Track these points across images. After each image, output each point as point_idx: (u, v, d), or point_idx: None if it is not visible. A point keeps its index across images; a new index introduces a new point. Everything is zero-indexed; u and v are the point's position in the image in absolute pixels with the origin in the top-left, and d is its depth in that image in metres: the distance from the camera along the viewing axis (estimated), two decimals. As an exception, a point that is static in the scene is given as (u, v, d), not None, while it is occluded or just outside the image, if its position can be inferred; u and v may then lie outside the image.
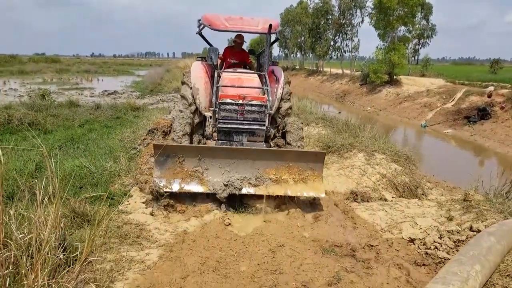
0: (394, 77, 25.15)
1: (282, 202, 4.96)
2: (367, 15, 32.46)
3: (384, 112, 21.92)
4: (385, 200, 5.26)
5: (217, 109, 5.33)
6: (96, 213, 3.60)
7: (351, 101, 27.23)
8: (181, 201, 4.83)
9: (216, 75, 6.14)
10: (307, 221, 4.56)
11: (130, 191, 5.08)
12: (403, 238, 4.04)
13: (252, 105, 5.33)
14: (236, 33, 6.75)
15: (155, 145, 4.84)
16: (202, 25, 6.53)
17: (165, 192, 4.69)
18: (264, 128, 5.47)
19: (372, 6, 30.39)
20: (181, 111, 6.17)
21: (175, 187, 4.75)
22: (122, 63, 73.22)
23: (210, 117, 5.97)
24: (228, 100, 5.31)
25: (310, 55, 47.31)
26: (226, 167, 4.94)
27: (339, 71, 36.38)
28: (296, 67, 53.10)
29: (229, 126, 5.37)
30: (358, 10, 33.37)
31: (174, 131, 5.67)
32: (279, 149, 5.73)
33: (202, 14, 6.60)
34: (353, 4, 33.08)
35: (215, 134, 5.75)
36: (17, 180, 5.37)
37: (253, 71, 6.73)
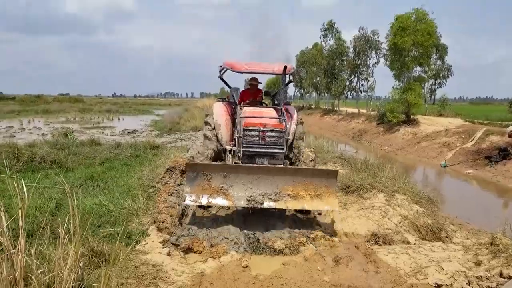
0: (411, 116, 25.02)
1: (302, 244, 4.86)
2: (381, 56, 32.93)
3: (402, 152, 21.65)
4: (408, 243, 5.08)
5: (241, 136, 5.89)
6: (114, 252, 3.57)
7: (368, 140, 27.07)
8: (198, 241, 4.78)
9: (238, 108, 6.73)
10: (327, 265, 4.42)
11: (148, 230, 5.06)
12: (428, 283, 3.86)
13: (272, 131, 5.93)
14: (252, 76, 7.67)
15: (187, 163, 5.47)
16: (225, 69, 7.42)
17: (193, 204, 5.34)
18: (283, 151, 5.98)
19: (387, 48, 30.91)
20: (205, 136, 7.19)
21: (204, 201, 5.24)
22: (142, 103, 75.07)
23: (231, 150, 6.49)
24: (252, 127, 5.89)
25: (326, 95, 47.76)
26: (249, 184, 5.38)
27: (355, 110, 36.46)
28: (312, 106, 53.54)
29: (252, 150, 5.90)
30: (373, 52, 33.81)
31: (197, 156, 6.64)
32: (296, 167, 6.21)
33: (224, 61, 7.50)
34: (368, 46, 33.59)
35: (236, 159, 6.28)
36: (37, 217, 5.44)
37: (270, 106, 7.43)
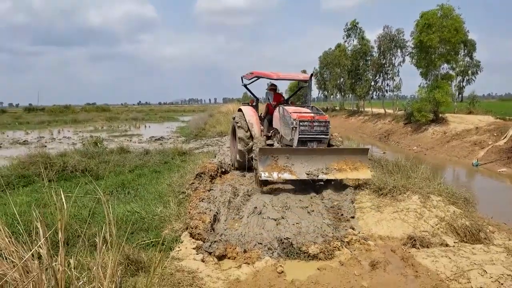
0: (440, 115, 24.40)
1: (336, 248, 4.76)
2: (407, 55, 32.25)
3: (431, 151, 21.10)
4: (447, 245, 4.88)
5: (296, 126, 7.33)
6: (150, 260, 3.58)
7: (395, 140, 26.53)
8: (231, 246, 4.75)
9: (280, 109, 8.22)
10: (364, 269, 4.30)
11: (181, 236, 5.07)
12: (473, 288, 3.69)
13: (319, 121, 7.52)
14: (272, 82, 9.87)
15: (260, 149, 7.02)
16: (256, 78, 9.40)
17: (268, 180, 6.97)
18: (328, 137, 7.63)
19: (413, 46, 30.24)
20: (241, 128, 9.06)
21: (275, 176, 6.79)
22: (167, 110, 76.11)
23: (272, 144, 8.41)
24: (305, 119, 7.40)
25: (350, 96, 47.16)
26: (305, 163, 6.99)
27: (381, 110, 35.82)
28: (336, 108, 53.01)
29: (305, 136, 7.40)
30: (399, 50, 33.16)
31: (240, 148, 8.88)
32: (338, 148, 7.65)
33: (250, 71, 9.52)
34: (393, 44, 32.98)
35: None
36: (72, 226, 5.54)
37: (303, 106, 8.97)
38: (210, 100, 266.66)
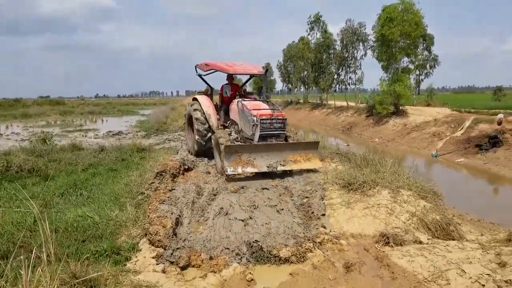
0: (400, 107, 24.92)
1: (309, 250, 4.47)
2: (369, 48, 32.71)
3: (392, 143, 21.50)
4: (421, 242, 4.71)
5: (257, 124, 7.82)
6: (101, 277, 3.11)
7: (358, 133, 26.89)
8: (196, 253, 4.34)
9: (239, 104, 8.52)
10: (339, 272, 4.03)
11: (139, 244, 4.59)
12: (454, 291, 3.50)
13: (278, 119, 8.05)
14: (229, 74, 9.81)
15: (226, 146, 7.45)
16: (213, 70, 9.58)
17: (233, 174, 7.27)
18: (285, 132, 8.29)
19: (374, 39, 30.64)
20: (198, 120, 9.39)
21: (239, 170, 7.27)
22: (126, 103, 73.61)
23: (237, 137, 8.57)
24: (265, 117, 7.89)
25: (314, 89, 47.43)
26: (266, 156, 7.60)
27: (344, 103, 36.25)
28: (300, 101, 53.17)
29: (266, 132, 7.95)
30: (361, 44, 33.57)
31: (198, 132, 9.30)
32: (293, 142, 8.27)
33: (202, 61, 9.86)
34: (356, 38, 33.33)
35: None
36: (14, 235, 4.93)
37: (259, 99, 9.34)
38: (172, 92, 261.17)
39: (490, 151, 14.94)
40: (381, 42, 25.10)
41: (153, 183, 6.84)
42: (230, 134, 8.63)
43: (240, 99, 8.82)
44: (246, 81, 11.63)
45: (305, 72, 46.77)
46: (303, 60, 45.29)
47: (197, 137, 9.41)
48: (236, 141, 8.41)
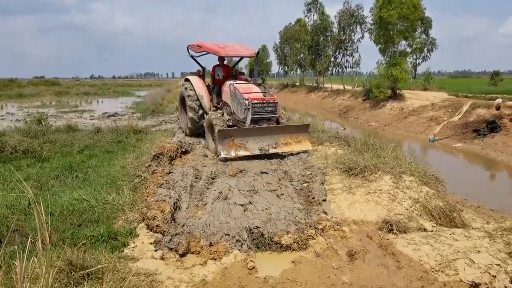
0: (397, 91, 24.74)
1: (311, 237, 4.37)
2: (366, 31, 32.29)
3: (389, 127, 21.39)
4: (425, 230, 4.63)
5: (249, 107, 7.94)
6: (98, 263, 2.98)
7: (354, 116, 26.75)
8: (195, 239, 4.22)
9: (231, 87, 8.59)
10: (342, 260, 3.94)
11: (136, 229, 4.46)
12: (462, 281, 3.40)
13: (269, 102, 8.20)
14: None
15: (220, 130, 7.65)
16: (205, 52, 9.75)
17: (226, 157, 7.46)
18: (276, 115, 8.48)
19: (372, 22, 30.20)
20: (190, 97, 9.71)
21: (233, 154, 7.53)
22: (121, 84, 72.78)
23: (229, 119, 8.78)
24: (257, 101, 8.06)
25: (310, 72, 47.03)
26: (258, 139, 7.86)
27: (340, 87, 35.96)
28: (296, 84, 52.74)
29: (258, 116, 8.09)
30: (358, 26, 33.11)
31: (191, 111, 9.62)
32: (284, 125, 8.51)
33: (195, 41, 9.99)
34: (353, 20, 32.85)
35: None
36: (8, 218, 4.79)
37: (251, 81, 9.50)
38: (167, 74, 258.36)
39: (488, 136, 14.85)
40: (379, 25, 24.73)
41: (150, 166, 6.69)
42: (222, 115, 8.85)
43: (232, 82, 8.91)
44: (237, 62, 11.89)
45: (302, 55, 46.29)
46: (299, 42, 44.78)
47: (190, 114, 9.64)
48: (229, 123, 8.64)
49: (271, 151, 7.79)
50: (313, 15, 39.95)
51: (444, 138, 16.58)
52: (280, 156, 7.90)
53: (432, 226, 4.70)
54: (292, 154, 7.97)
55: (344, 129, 18.48)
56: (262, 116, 8.15)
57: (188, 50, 10.30)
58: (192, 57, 10.34)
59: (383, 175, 5.89)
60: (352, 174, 6.13)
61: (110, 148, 9.16)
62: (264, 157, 7.71)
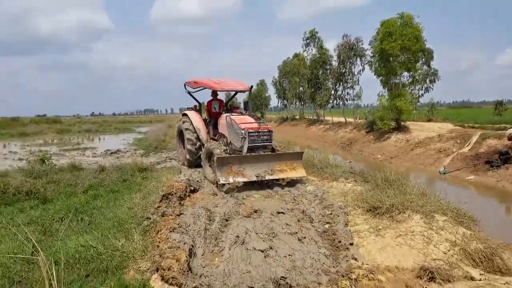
0: (402, 123, 24.58)
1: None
2: (366, 63, 32.53)
3: (396, 160, 21.01)
4: (472, 278, 4.18)
5: (246, 136, 8.44)
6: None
7: (358, 149, 26.44)
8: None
9: (228, 119, 9.16)
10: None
11: (150, 281, 4.02)
12: None
13: (264, 131, 8.70)
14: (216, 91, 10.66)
15: (218, 157, 7.95)
16: (201, 87, 10.58)
17: (225, 183, 7.68)
18: (271, 143, 8.89)
19: (372, 54, 30.41)
20: (188, 130, 10.41)
21: (231, 180, 7.76)
22: (122, 121, 73.12)
23: (225, 149, 9.04)
24: (252, 130, 8.52)
25: (310, 105, 47.15)
26: (254, 167, 8.13)
27: (341, 119, 35.88)
28: (296, 117, 52.84)
29: (254, 144, 8.54)
30: (358, 59, 33.41)
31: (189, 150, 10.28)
32: (279, 153, 8.73)
33: (191, 79, 10.73)
34: (353, 53, 33.19)
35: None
36: (9, 269, 4.37)
37: (245, 113, 10.08)
38: (166, 110, 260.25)
39: (501, 167, 14.41)
40: (380, 57, 24.88)
41: (159, 207, 6.28)
42: (220, 145, 9.30)
43: (228, 114, 9.59)
44: (232, 97, 12.55)
45: (301, 88, 46.60)
46: (298, 76, 45.21)
47: (188, 146, 10.29)
48: (226, 152, 8.92)
49: (267, 177, 8.07)
50: (312, 49, 40.52)
51: (455, 170, 16.12)
52: (290, 191, 7.83)
53: (480, 274, 4.24)
54: (309, 193, 7.64)
55: (350, 162, 18.14)
56: (258, 144, 8.62)
57: (185, 86, 11.06)
58: (189, 93, 11.18)
59: (412, 215, 5.48)
60: (378, 213, 5.72)
61: (115, 187, 8.77)
62: (266, 187, 8.09)
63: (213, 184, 8.35)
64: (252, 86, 10.20)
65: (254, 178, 7.94)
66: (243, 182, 7.88)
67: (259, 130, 8.60)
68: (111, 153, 18.42)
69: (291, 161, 8.45)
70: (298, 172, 8.39)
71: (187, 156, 10.49)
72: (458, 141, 19.29)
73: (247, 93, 10.96)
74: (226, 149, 9.02)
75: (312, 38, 40.15)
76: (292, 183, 8.30)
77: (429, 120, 28.92)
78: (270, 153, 8.66)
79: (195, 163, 10.41)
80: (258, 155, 8.39)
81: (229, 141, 9.16)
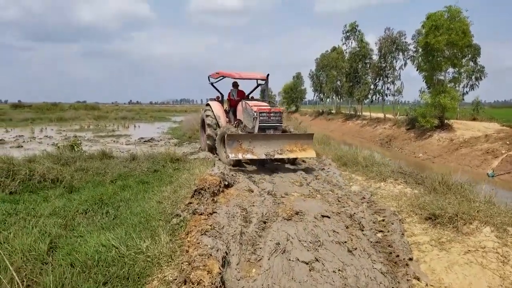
0: (445, 121, 23.20)
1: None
2: (408, 58, 31.00)
3: (439, 159, 19.78)
4: None
5: (257, 117, 9.00)
6: None
7: (398, 146, 25.22)
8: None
9: (243, 104, 10.00)
10: None
11: (177, 295, 3.44)
12: None
13: (275, 112, 9.24)
14: (235, 81, 11.47)
15: (228, 134, 8.41)
16: (222, 77, 11.31)
17: (234, 159, 8.37)
18: (282, 125, 9.36)
19: (414, 49, 28.83)
20: (209, 116, 11.24)
21: (240, 157, 8.26)
22: (158, 110, 73.91)
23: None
24: (263, 111, 9.06)
25: (347, 99, 45.76)
26: (264, 145, 8.46)
27: (380, 115, 34.50)
28: (332, 111, 51.52)
29: (264, 125, 9.03)
30: (400, 53, 31.84)
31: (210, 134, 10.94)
32: (289, 133, 9.22)
33: (216, 71, 11.38)
34: (395, 47, 31.66)
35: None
36: (20, 269, 3.90)
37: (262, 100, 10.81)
38: (202, 100, 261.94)
39: (557, 171, 13.16)
40: (425, 51, 23.48)
41: (190, 203, 5.71)
42: (233, 127, 9.91)
43: (245, 100, 10.25)
44: (254, 89, 12.74)
45: (339, 82, 45.29)
46: (336, 69, 43.92)
47: (208, 131, 10.97)
48: (239, 131, 9.49)
49: (276, 156, 8.50)
50: (351, 42, 39.11)
51: (505, 173, 14.92)
52: (333, 191, 7.13)
53: None
54: (354, 194, 6.86)
55: (389, 160, 17.10)
56: (268, 124, 9.09)
57: (209, 78, 11.87)
58: (212, 84, 12.01)
59: (480, 227, 4.66)
60: (438, 223, 4.92)
61: (146, 178, 8.29)
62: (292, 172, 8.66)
63: (226, 164, 8.86)
64: (268, 75, 10.61)
65: (264, 157, 8.38)
66: (252, 158, 8.41)
67: (270, 111, 9.11)
68: (145, 141, 18.22)
69: (301, 142, 8.77)
70: (308, 153, 8.75)
71: (207, 141, 11.20)
72: (508, 142, 17.95)
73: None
74: (238, 130, 9.59)
75: (352, 31, 38.78)
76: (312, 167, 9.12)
77: (474, 119, 27.25)
78: (280, 133, 9.08)
79: (213, 147, 10.82)
80: (268, 134, 8.81)
81: (244, 125, 9.76)
